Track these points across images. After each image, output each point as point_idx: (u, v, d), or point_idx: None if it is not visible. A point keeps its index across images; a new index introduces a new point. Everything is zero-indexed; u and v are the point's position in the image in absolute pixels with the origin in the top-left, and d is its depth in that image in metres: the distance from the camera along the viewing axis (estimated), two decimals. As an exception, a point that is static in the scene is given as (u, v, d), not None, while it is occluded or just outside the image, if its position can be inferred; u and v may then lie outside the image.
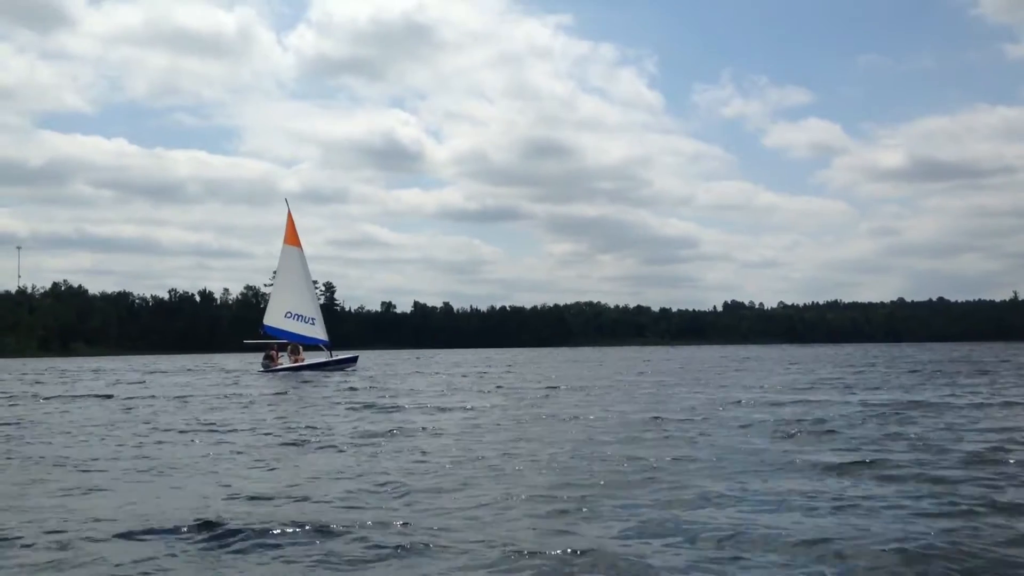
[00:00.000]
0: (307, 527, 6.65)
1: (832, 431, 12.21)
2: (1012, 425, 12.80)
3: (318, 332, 39.39)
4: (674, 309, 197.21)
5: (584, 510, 7.21)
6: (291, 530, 6.59)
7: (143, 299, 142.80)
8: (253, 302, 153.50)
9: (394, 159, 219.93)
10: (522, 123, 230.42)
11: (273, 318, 38.91)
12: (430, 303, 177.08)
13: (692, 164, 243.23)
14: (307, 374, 36.06)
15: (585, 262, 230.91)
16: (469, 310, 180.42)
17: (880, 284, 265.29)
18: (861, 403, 17.04)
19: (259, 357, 39.39)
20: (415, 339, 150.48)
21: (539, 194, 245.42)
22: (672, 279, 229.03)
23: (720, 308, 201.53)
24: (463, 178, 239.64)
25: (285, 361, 38.54)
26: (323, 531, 6.57)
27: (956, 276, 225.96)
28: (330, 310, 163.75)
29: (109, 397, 22.75)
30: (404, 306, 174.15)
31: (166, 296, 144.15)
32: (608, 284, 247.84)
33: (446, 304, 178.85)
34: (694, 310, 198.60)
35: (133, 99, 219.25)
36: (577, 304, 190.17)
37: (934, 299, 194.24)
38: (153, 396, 22.92)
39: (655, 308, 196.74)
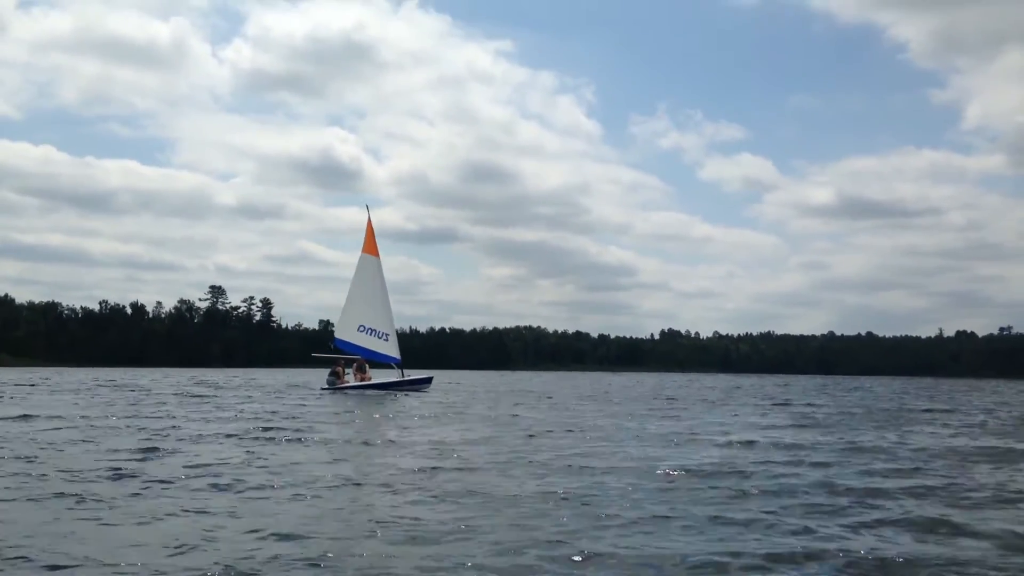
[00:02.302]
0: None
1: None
2: None
3: (391, 349, 36.99)
4: (612, 336, 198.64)
5: None
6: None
7: (72, 310, 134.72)
8: (187, 316, 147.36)
9: (332, 176, 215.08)
10: (462, 146, 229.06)
11: (345, 331, 36.34)
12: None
13: (630, 193, 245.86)
14: (375, 393, 33.80)
15: (524, 286, 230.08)
16: (408, 331, 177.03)
17: (811, 317, 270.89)
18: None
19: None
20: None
21: (478, 217, 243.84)
22: (610, 306, 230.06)
23: (657, 336, 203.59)
24: (402, 198, 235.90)
25: (352, 379, 36.11)
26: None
27: (884, 312, 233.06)
28: (266, 326, 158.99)
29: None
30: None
31: (96, 308, 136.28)
32: (547, 309, 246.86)
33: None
34: (632, 337, 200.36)
35: (62, 106, 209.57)
36: (517, 328, 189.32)
37: (863, 333, 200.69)
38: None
39: (594, 334, 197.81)
